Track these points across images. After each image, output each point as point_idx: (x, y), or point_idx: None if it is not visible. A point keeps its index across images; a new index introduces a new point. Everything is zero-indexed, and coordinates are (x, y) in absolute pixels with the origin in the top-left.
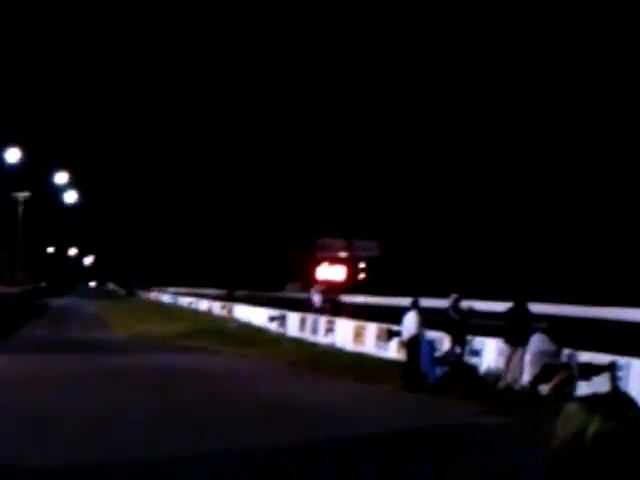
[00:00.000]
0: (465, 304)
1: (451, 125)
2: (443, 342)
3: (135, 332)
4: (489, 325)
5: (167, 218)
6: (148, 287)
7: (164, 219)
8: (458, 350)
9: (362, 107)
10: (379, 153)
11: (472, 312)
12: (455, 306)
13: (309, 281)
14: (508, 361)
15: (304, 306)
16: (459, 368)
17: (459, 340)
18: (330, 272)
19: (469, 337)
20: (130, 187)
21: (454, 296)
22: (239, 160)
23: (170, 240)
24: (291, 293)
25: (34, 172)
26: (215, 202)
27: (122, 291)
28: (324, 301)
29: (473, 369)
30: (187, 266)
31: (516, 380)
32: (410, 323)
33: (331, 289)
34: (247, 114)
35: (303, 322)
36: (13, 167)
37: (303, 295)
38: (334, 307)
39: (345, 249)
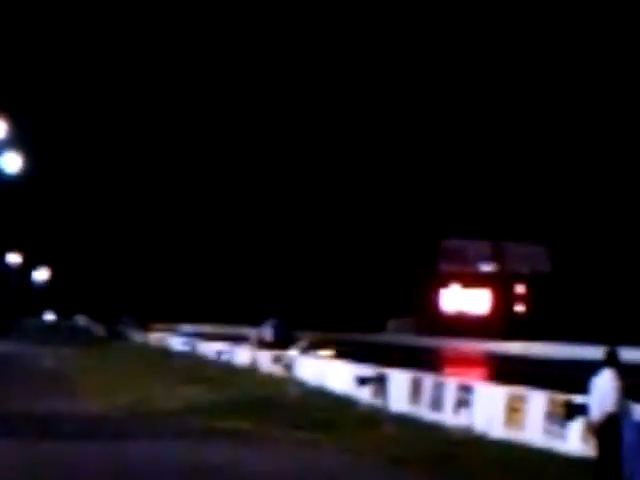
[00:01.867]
0: None
1: None
2: None
3: (123, 402)
4: None
5: (177, 210)
6: (145, 324)
7: (172, 211)
8: None
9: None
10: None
11: None
12: None
13: (427, 315)
14: None
15: (419, 359)
16: None
17: None
18: (464, 300)
19: None
20: (114, 154)
21: None
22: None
23: (184, 248)
24: (396, 336)
25: None
26: (259, 184)
27: (101, 330)
28: (277, 336)
29: None
30: (214, 291)
31: None
32: (604, 392)
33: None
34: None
35: (416, 388)
36: None
37: (416, 340)
38: (287, 340)
39: (491, 258)
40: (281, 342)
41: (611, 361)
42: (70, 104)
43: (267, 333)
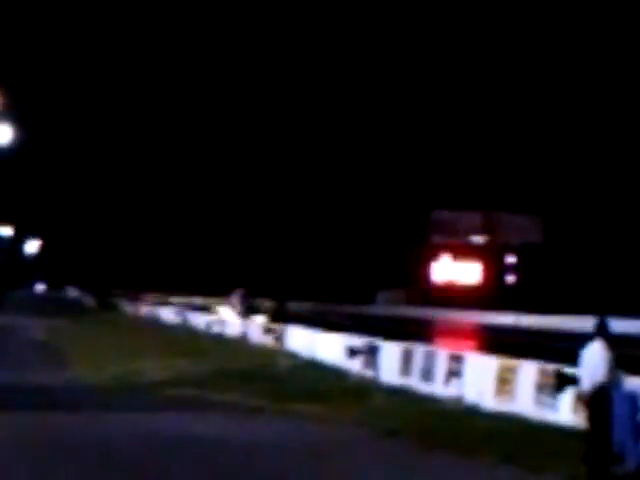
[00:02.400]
0: None
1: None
2: None
3: (114, 373)
4: None
5: (167, 180)
6: (136, 295)
7: (162, 181)
8: None
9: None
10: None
11: None
12: None
13: (418, 286)
14: None
15: (409, 330)
16: None
17: None
18: (455, 271)
19: None
20: (105, 127)
21: None
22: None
23: (174, 220)
24: (387, 307)
25: None
26: (248, 156)
27: (92, 301)
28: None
29: None
30: (206, 262)
31: None
32: (595, 363)
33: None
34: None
35: (407, 359)
36: None
37: (407, 311)
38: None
39: (482, 230)
40: (246, 311)
41: (601, 332)
42: (62, 76)
43: (234, 302)
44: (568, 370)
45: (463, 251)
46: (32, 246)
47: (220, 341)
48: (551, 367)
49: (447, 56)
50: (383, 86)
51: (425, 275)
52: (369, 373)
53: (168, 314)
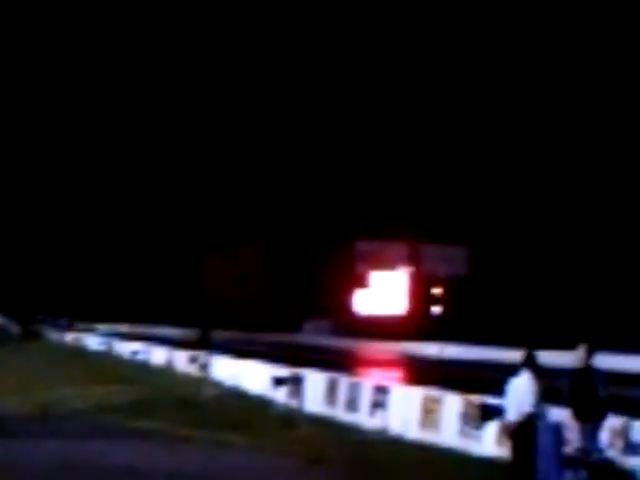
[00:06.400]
0: (604, 360)
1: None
2: (575, 427)
3: (38, 401)
4: None
5: (91, 204)
6: (61, 323)
7: (86, 206)
8: (602, 442)
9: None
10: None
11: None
12: (586, 366)
13: (343, 316)
14: None
15: (335, 360)
16: (605, 474)
17: (597, 422)
18: (380, 301)
19: (622, 420)
20: (34, 143)
21: (583, 347)
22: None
23: (99, 243)
24: (312, 337)
25: None
26: (174, 179)
27: (16, 328)
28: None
29: (630, 475)
30: (129, 289)
31: None
32: (522, 393)
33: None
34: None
35: (332, 389)
36: None
37: (333, 341)
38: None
39: (408, 260)
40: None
41: (529, 363)
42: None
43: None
44: (492, 401)
45: (389, 282)
46: None
47: (145, 369)
48: (476, 398)
49: (383, 92)
50: (309, 120)
51: (351, 305)
52: (294, 403)
53: (94, 342)
